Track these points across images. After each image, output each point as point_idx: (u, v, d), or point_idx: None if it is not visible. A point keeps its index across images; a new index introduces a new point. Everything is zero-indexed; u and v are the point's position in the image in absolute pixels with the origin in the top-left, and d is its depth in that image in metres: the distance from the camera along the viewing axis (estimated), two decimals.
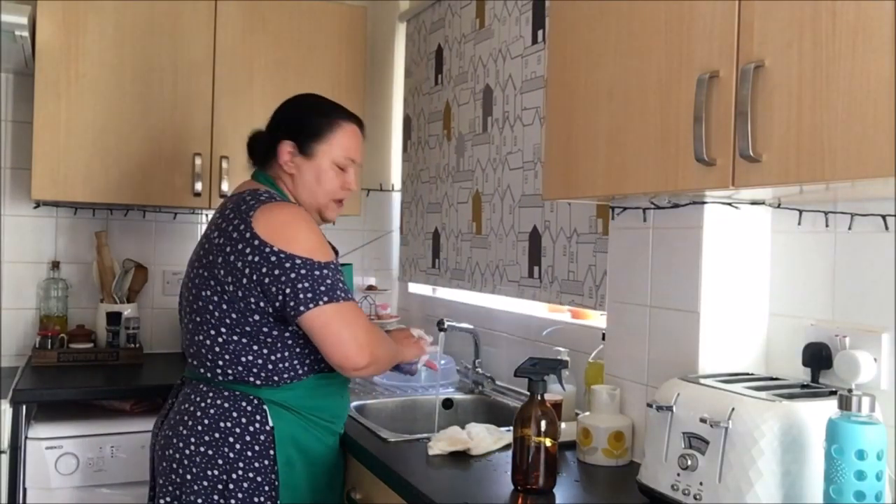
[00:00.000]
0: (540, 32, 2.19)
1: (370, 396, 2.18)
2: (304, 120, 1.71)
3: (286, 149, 1.68)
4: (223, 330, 1.57)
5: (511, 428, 1.39)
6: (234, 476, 1.54)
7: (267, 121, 1.79)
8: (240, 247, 1.52)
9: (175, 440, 1.59)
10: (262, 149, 1.73)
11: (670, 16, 1.25)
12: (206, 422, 1.57)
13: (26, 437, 2.06)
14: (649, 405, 1.28)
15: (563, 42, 1.52)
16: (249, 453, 1.55)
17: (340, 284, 1.54)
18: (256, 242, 1.51)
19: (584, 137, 1.45)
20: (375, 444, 1.63)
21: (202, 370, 1.62)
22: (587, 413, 1.57)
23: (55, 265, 2.63)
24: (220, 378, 1.60)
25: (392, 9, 3.18)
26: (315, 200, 1.70)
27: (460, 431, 1.61)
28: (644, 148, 1.29)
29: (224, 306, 1.55)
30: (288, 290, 1.50)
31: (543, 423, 1.34)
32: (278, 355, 1.58)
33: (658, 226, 1.54)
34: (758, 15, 1.10)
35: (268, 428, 1.57)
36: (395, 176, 3.21)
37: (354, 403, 2.07)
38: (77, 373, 2.37)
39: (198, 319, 1.60)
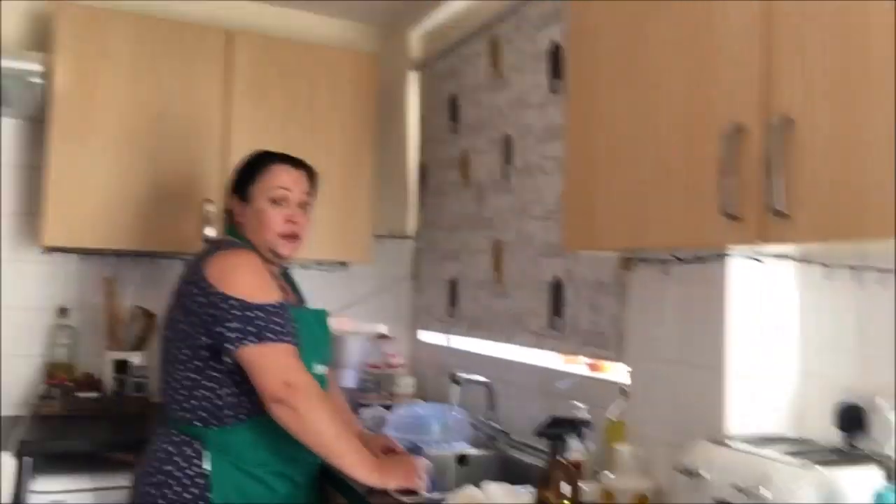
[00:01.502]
0: (558, 82, 2.18)
1: None
2: (239, 171, 1.89)
3: (233, 201, 1.86)
4: (179, 367, 1.70)
5: (527, 486, 1.34)
6: None
7: None
8: (192, 290, 1.68)
9: (136, 479, 1.77)
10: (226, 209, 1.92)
11: (692, 69, 1.23)
12: (154, 464, 1.69)
13: (30, 491, 2.01)
14: (677, 470, 1.22)
15: (583, 93, 1.51)
16: (187, 495, 1.64)
17: (273, 326, 1.62)
18: (203, 285, 1.66)
19: (604, 188, 1.42)
20: None
21: (165, 406, 1.75)
22: (609, 474, 1.51)
23: (63, 311, 2.60)
24: (176, 414, 1.71)
25: (403, 54, 3.19)
26: (263, 239, 1.81)
27: (477, 493, 1.55)
28: (667, 201, 1.26)
29: (179, 343, 1.70)
30: (220, 329, 1.61)
31: (565, 486, 1.28)
32: (227, 390, 1.68)
33: (680, 279, 1.50)
34: (784, 67, 1.08)
35: (205, 471, 1.64)
36: (410, 223, 3.19)
37: None
38: (82, 423, 2.32)
39: (164, 358, 1.76)
